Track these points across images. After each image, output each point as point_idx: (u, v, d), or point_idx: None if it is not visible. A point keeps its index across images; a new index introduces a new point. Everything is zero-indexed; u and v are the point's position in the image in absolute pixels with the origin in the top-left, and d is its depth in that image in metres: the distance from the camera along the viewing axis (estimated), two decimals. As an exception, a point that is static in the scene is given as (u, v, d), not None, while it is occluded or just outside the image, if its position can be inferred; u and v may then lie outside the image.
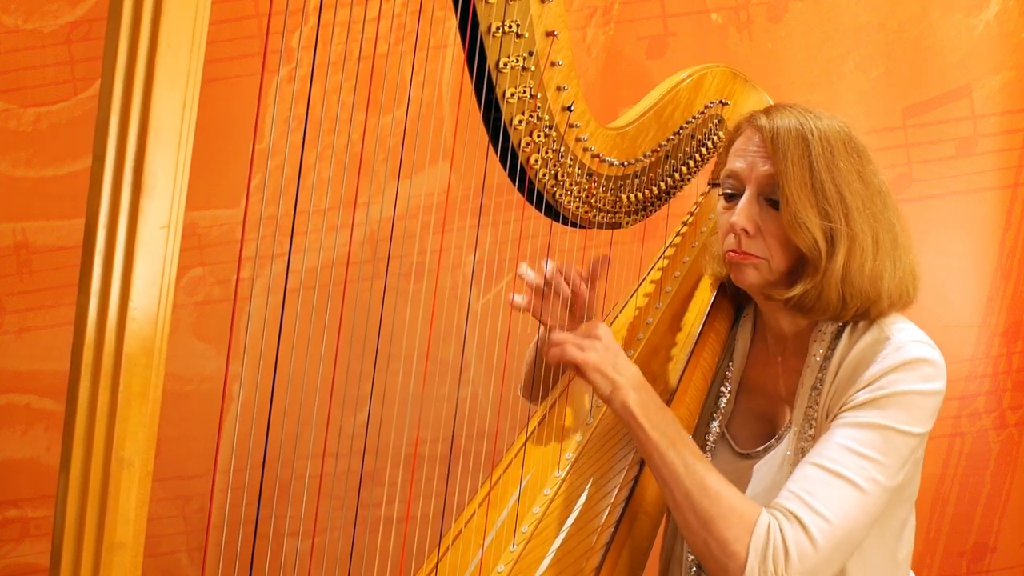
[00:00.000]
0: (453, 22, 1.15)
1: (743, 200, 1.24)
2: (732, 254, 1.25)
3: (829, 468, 1.12)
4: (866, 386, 1.16)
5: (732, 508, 1.10)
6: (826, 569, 1.10)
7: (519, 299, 1.39)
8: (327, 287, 1.12)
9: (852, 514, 1.11)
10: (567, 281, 1.38)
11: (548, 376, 1.44)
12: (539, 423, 1.35)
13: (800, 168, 1.20)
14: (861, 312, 1.22)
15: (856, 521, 1.11)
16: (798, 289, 1.21)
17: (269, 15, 0.89)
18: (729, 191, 1.27)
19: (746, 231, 1.23)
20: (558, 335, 1.24)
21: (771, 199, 1.22)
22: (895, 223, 1.22)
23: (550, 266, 1.38)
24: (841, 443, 1.14)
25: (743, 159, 1.25)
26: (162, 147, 0.76)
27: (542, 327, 1.45)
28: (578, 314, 1.40)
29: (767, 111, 1.26)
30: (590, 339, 1.22)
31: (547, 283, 1.38)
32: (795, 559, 1.07)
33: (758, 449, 1.30)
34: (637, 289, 1.50)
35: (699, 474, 1.12)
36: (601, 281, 1.40)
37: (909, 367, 1.16)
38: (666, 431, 1.16)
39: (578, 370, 1.21)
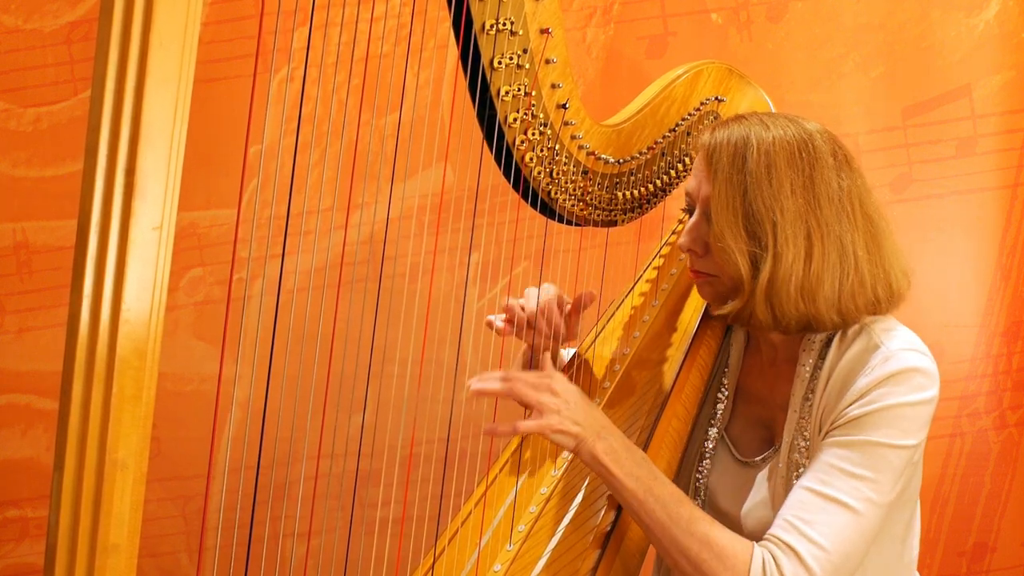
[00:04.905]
0: (449, 22, 1.15)
1: (690, 221, 1.24)
2: (690, 273, 1.27)
3: (822, 492, 1.12)
4: (856, 400, 1.15)
5: (723, 551, 1.10)
6: None
7: (498, 323, 1.39)
8: (324, 289, 1.12)
9: (848, 538, 1.10)
10: (545, 315, 1.37)
11: None
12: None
13: (729, 188, 1.18)
14: (802, 324, 1.19)
15: (852, 544, 1.11)
16: (727, 308, 1.21)
17: (260, 16, 0.89)
18: (689, 208, 1.28)
19: (693, 251, 1.23)
20: (510, 376, 1.17)
21: None
22: (847, 233, 1.18)
23: (531, 298, 1.38)
24: (833, 464, 1.13)
25: (694, 178, 1.25)
26: (154, 148, 0.76)
27: (525, 344, 1.45)
28: (560, 337, 1.40)
29: (715, 127, 1.24)
30: (545, 395, 1.17)
31: (527, 315, 1.38)
32: None
33: (757, 459, 1.29)
34: (633, 287, 1.50)
35: (683, 519, 1.11)
36: (595, 287, 1.40)
37: (899, 379, 1.14)
38: (641, 477, 1.13)
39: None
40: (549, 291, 1.38)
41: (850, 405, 1.15)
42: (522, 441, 1.33)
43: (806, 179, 1.18)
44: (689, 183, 1.27)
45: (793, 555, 1.09)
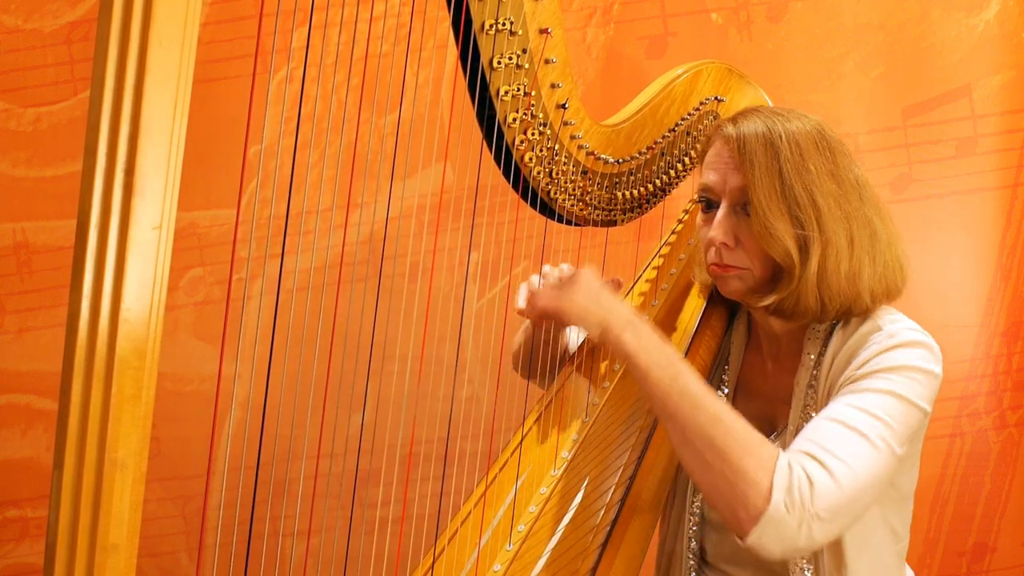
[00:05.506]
0: (449, 21, 1.15)
1: (719, 214, 1.23)
2: (714, 267, 1.25)
3: (841, 421, 1.08)
4: (864, 364, 1.14)
5: (748, 439, 1.05)
6: (846, 512, 1.05)
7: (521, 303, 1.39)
8: (324, 288, 1.12)
9: (867, 464, 1.06)
10: None
11: (541, 356, 1.44)
12: (535, 421, 1.35)
13: (768, 176, 1.18)
14: (843, 311, 1.20)
15: (871, 472, 1.06)
16: (773, 298, 1.20)
17: (260, 16, 0.89)
18: (706, 203, 1.27)
19: (725, 244, 1.22)
20: (536, 290, 1.19)
21: (747, 208, 1.21)
22: (872, 218, 1.20)
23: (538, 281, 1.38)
24: (851, 403, 1.10)
25: (715, 172, 1.24)
26: (153, 148, 0.75)
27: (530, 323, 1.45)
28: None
29: (734, 119, 1.24)
30: (570, 285, 1.17)
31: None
32: (820, 491, 1.02)
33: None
34: (632, 287, 1.50)
35: (709, 407, 1.07)
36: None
37: (907, 346, 1.14)
38: (667, 367, 1.11)
39: (561, 319, 1.18)
40: (564, 269, 1.38)
41: (858, 369, 1.14)
42: (522, 440, 1.33)
43: (832, 166, 1.20)
44: (708, 177, 1.25)
45: (817, 462, 1.04)
